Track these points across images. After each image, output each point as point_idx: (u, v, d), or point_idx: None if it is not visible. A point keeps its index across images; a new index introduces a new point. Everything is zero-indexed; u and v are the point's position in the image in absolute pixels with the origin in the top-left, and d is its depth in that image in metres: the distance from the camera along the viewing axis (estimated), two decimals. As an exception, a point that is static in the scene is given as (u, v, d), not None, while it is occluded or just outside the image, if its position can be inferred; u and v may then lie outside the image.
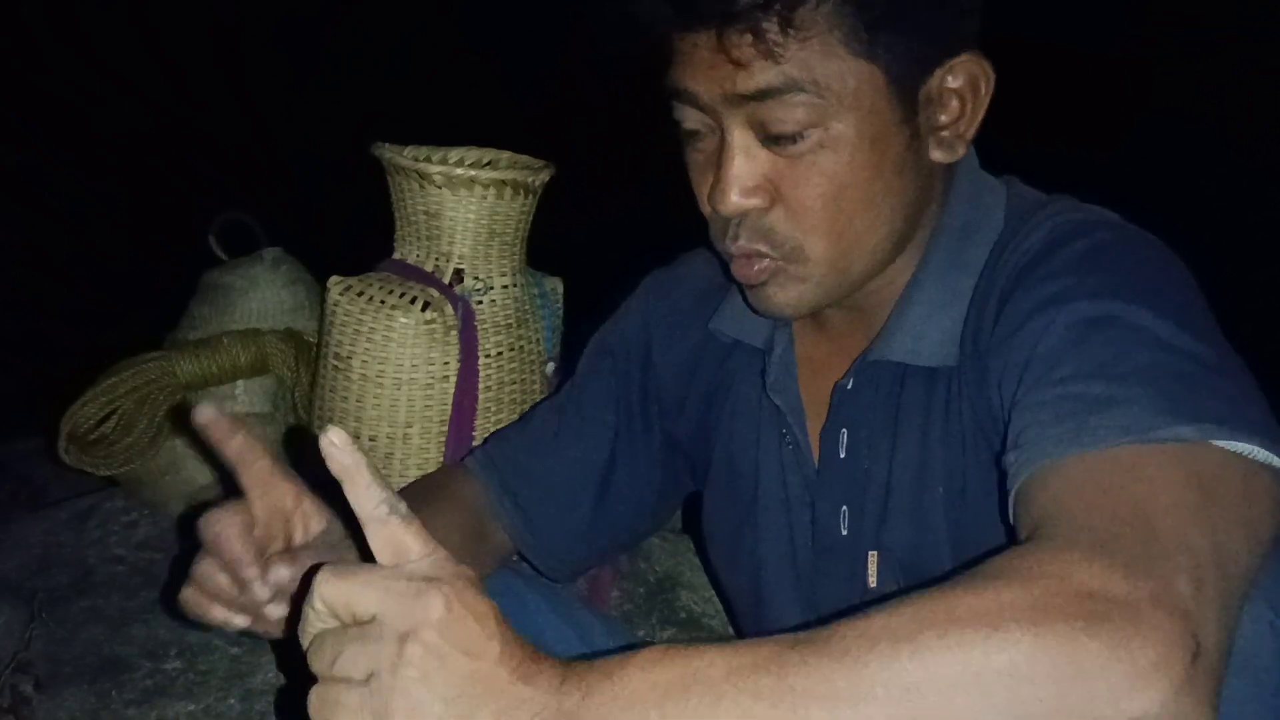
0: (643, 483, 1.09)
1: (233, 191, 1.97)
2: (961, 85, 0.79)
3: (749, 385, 0.99)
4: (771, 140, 0.78)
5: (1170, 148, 3.90)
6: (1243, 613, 0.62)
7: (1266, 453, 0.63)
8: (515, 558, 1.12)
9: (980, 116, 0.81)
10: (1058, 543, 0.58)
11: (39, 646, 1.34)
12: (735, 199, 0.79)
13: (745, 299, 0.90)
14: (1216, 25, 4.02)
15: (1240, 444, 0.63)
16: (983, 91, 0.80)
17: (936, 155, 0.81)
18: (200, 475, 1.58)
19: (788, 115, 0.76)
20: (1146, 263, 0.76)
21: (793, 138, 0.77)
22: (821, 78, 0.75)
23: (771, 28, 0.73)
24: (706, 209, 0.84)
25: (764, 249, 0.81)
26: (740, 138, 0.79)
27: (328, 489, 0.64)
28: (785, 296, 0.84)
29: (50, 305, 3.26)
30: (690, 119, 0.82)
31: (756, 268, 0.83)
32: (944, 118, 0.80)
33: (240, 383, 1.60)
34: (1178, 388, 0.66)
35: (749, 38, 0.73)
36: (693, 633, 1.42)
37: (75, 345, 2.15)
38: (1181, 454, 0.62)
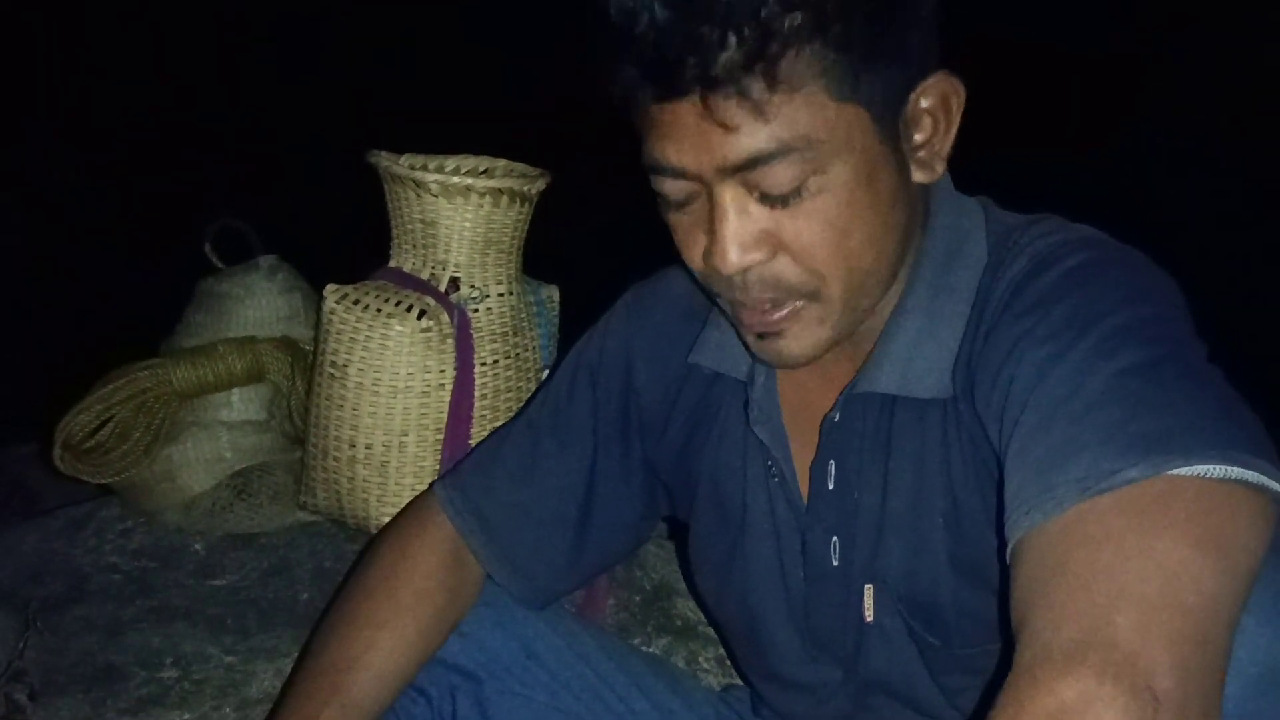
0: (623, 507, 1.06)
1: (228, 199, 1.97)
2: (934, 104, 0.78)
3: (733, 415, 0.97)
4: (767, 199, 0.75)
5: (1154, 150, 3.91)
6: (1271, 630, 0.63)
7: (1224, 467, 0.62)
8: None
9: (954, 133, 0.80)
10: (1030, 666, 0.60)
11: (33, 655, 1.34)
12: (736, 258, 0.76)
13: (746, 347, 0.87)
14: (1202, 25, 4.03)
15: (1195, 467, 0.62)
16: (954, 108, 0.79)
17: (918, 177, 0.80)
18: (196, 484, 1.57)
19: (782, 176, 0.73)
20: (1118, 282, 0.75)
21: (789, 196, 0.74)
22: (811, 132, 0.72)
23: (757, 86, 0.70)
24: (698, 266, 0.81)
25: (780, 296, 0.79)
26: (733, 197, 0.75)
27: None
28: (800, 345, 0.81)
29: (46, 312, 3.25)
30: (675, 190, 0.78)
31: (776, 315, 0.80)
32: (919, 137, 0.78)
33: (236, 391, 1.60)
34: (1130, 417, 0.66)
35: (734, 100, 0.70)
36: (688, 641, 1.42)
37: (71, 352, 2.15)
38: (1132, 498, 0.63)
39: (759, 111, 0.71)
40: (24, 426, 1.94)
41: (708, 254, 0.78)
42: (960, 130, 0.81)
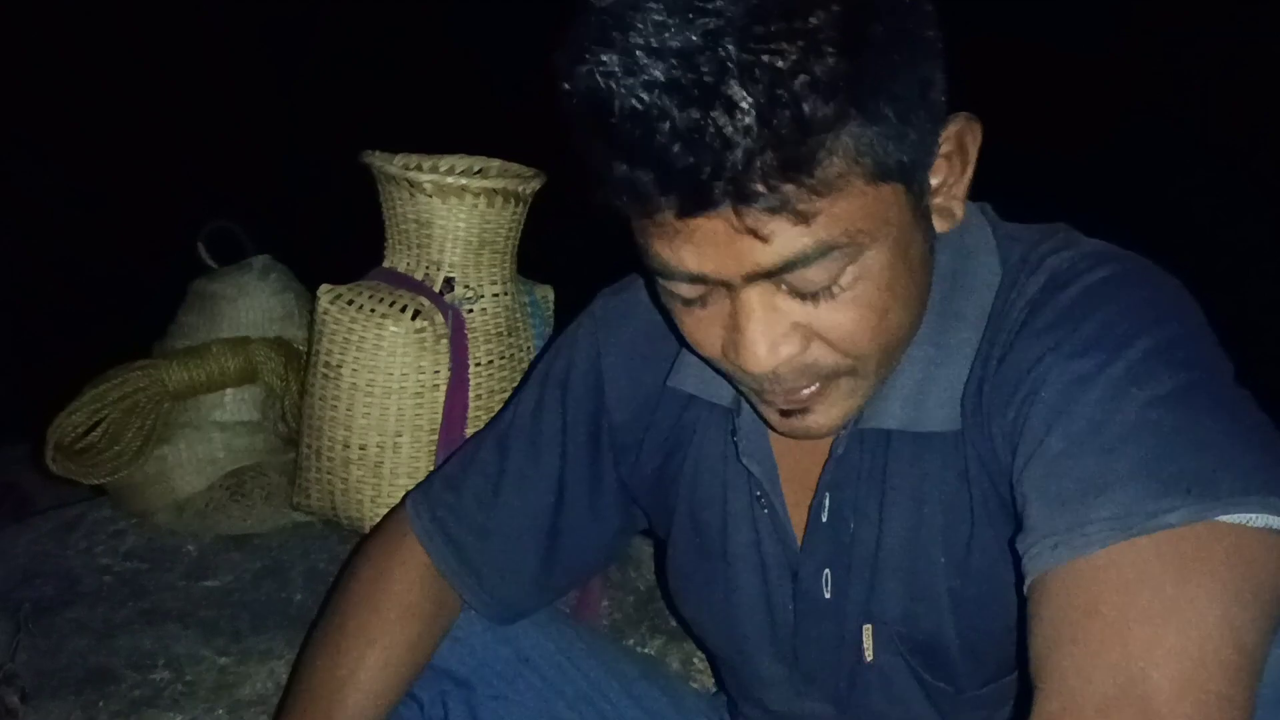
0: (594, 526, 1.02)
1: (221, 199, 1.97)
2: (950, 148, 0.72)
3: (710, 441, 0.92)
4: (798, 294, 0.69)
5: (1152, 150, 3.91)
6: (1277, 653, 0.61)
7: (1265, 516, 0.60)
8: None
9: (970, 173, 0.74)
10: (1057, 715, 0.59)
11: (24, 657, 1.33)
12: (768, 359, 0.70)
13: (764, 420, 0.81)
14: (1201, 25, 4.03)
15: (1235, 515, 0.60)
16: (970, 148, 0.74)
17: (940, 227, 0.74)
18: (187, 484, 1.57)
19: (818, 275, 0.67)
20: (1143, 300, 0.71)
21: (822, 292, 0.68)
22: (850, 225, 0.65)
23: (796, 192, 0.62)
24: (716, 357, 0.75)
25: (813, 380, 0.73)
26: (760, 296, 0.68)
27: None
28: (829, 419, 0.76)
29: (39, 313, 3.25)
30: (689, 292, 0.71)
31: (805, 392, 0.74)
32: (935, 181, 0.72)
33: (229, 391, 1.60)
34: (1167, 452, 0.63)
35: (770, 210, 0.63)
36: (682, 642, 1.42)
37: (63, 353, 2.14)
38: (1171, 543, 0.60)
39: (799, 216, 0.63)
40: (16, 428, 1.94)
41: (731, 350, 0.72)
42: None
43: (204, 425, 1.59)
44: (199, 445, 1.58)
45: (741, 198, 0.62)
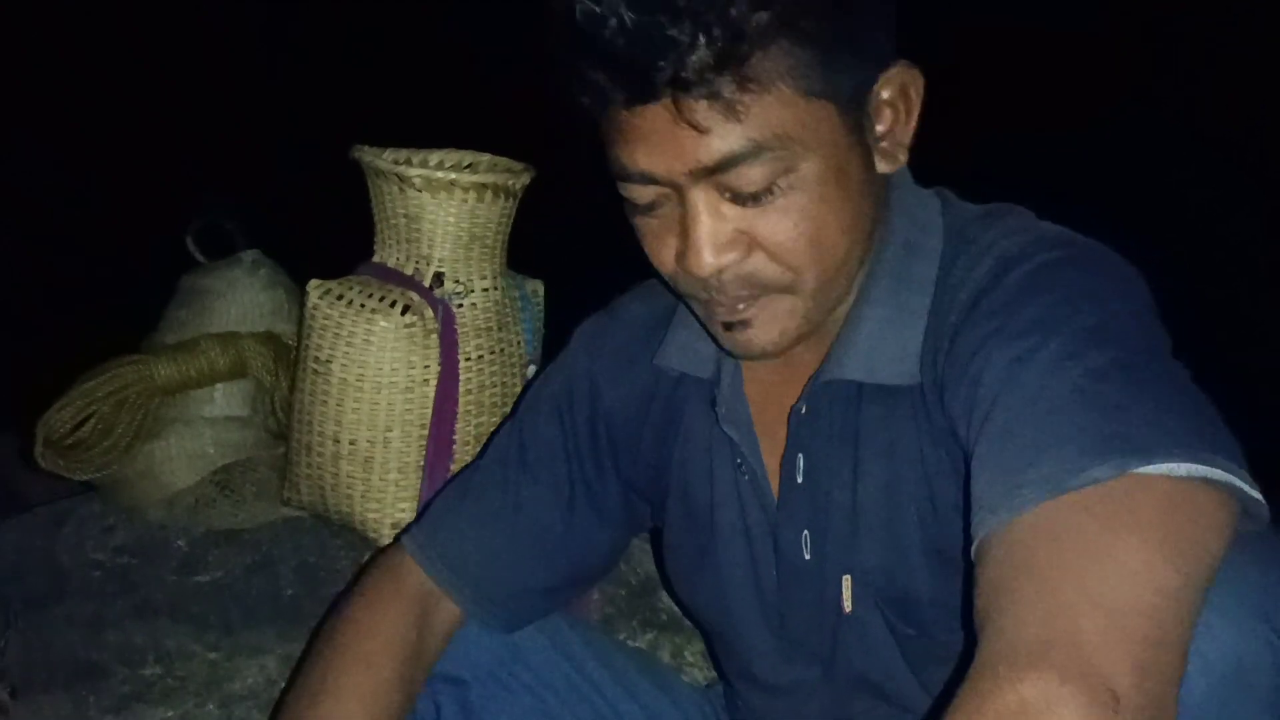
0: (600, 534, 1.06)
1: (211, 194, 1.96)
2: (894, 95, 0.79)
3: (698, 416, 0.98)
4: (739, 199, 0.76)
5: (1147, 141, 3.91)
6: (1237, 628, 0.64)
7: (1189, 466, 0.63)
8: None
9: (914, 123, 0.81)
10: (993, 663, 0.61)
11: (14, 653, 1.33)
12: (712, 260, 0.77)
13: (716, 342, 0.88)
14: (1197, 11, 4.03)
15: (1160, 465, 0.63)
16: (913, 98, 0.80)
17: (881, 167, 0.81)
18: (177, 479, 1.57)
19: (755, 175, 0.74)
20: (1084, 281, 0.76)
21: (761, 195, 0.75)
22: (781, 130, 0.73)
23: (728, 86, 0.71)
24: (669, 268, 0.82)
25: (755, 291, 0.80)
26: (705, 200, 0.76)
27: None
28: (769, 336, 0.82)
29: (28, 307, 3.23)
30: (643, 195, 0.79)
31: (742, 305, 0.81)
32: (881, 128, 0.80)
33: (219, 386, 1.60)
34: (1097, 418, 0.66)
35: (706, 102, 0.71)
36: (674, 635, 1.42)
37: (52, 348, 2.13)
38: (1097, 497, 0.63)
39: (731, 112, 0.71)
40: (5, 423, 1.93)
41: (681, 256, 0.79)
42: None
43: (194, 420, 1.59)
44: (189, 440, 1.57)
45: (679, 87, 0.71)
